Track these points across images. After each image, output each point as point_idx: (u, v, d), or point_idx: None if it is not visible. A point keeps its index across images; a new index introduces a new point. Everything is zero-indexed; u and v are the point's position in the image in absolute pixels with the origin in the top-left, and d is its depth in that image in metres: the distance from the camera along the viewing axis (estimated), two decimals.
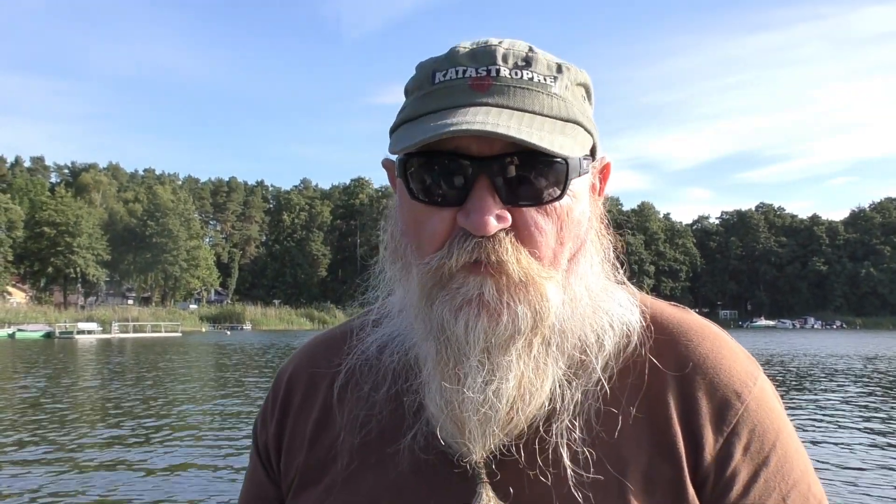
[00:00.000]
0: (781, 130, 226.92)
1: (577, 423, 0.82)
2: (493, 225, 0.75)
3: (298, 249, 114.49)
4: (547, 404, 0.82)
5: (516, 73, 0.81)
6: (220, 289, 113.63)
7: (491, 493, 0.81)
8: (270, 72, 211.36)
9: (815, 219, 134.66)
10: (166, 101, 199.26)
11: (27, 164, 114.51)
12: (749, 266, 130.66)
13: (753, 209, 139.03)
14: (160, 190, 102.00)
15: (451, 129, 0.74)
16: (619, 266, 0.91)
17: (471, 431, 0.80)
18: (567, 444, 0.81)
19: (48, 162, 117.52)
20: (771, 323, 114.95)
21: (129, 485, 8.25)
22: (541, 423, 0.82)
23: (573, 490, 0.80)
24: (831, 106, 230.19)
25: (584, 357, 0.84)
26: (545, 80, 0.81)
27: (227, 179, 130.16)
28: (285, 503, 0.96)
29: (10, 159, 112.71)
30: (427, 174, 0.79)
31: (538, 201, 0.78)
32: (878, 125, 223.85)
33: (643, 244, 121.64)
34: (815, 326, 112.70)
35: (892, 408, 15.06)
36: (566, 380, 0.83)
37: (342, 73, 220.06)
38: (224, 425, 12.73)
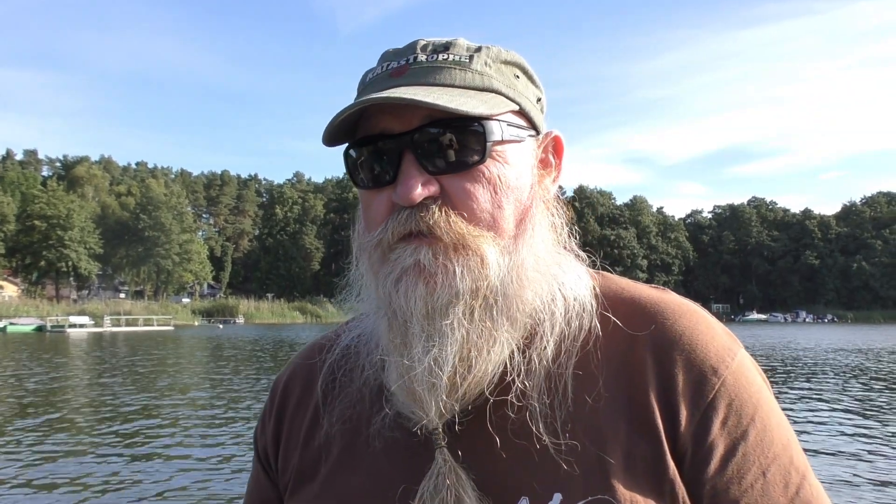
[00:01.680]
0: (774, 125, 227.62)
1: (544, 395, 0.82)
2: (419, 193, 0.78)
3: (292, 243, 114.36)
4: (498, 370, 0.82)
5: (433, 57, 0.84)
6: (213, 282, 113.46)
7: (448, 457, 0.82)
8: (264, 65, 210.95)
9: (807, 213, 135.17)
10: (159, 94, 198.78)
11: (19, 157, 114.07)
12: (741, 260, 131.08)
13: (746, 203, 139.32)
14: (153, 183, 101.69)
15: (351, 105, 0.79)
16: (573, 239, 0.93)
17: (421, 399, 0.81)
18: (536, 414, 0.81)
19: (41, 155, 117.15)
20: (763, 317, 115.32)
21: (120, 480, 8.26)
22: (495, 391, 0.83)
23: (553, 465, 0.80)
24: (824, 101, 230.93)
25: (537, 326, 0.85)
26: (461, 58, 0.84)
27: (219, 173, 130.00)
28: (284, 503, 0.99)
29: (1, 152, 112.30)
30: (363, 161, 0.84)
31: (462, 167, 0.81)
32: (870, 120, 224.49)
33: (636, 238, 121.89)
34: (807, 320, 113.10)
35: (880, 400, 15.21)
36: (517, 347, 0.83)
37: (336, 66, 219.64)
38: (213, 419, 12.76)
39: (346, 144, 0.86)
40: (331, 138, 0.83)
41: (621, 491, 0.79)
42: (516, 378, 0.82)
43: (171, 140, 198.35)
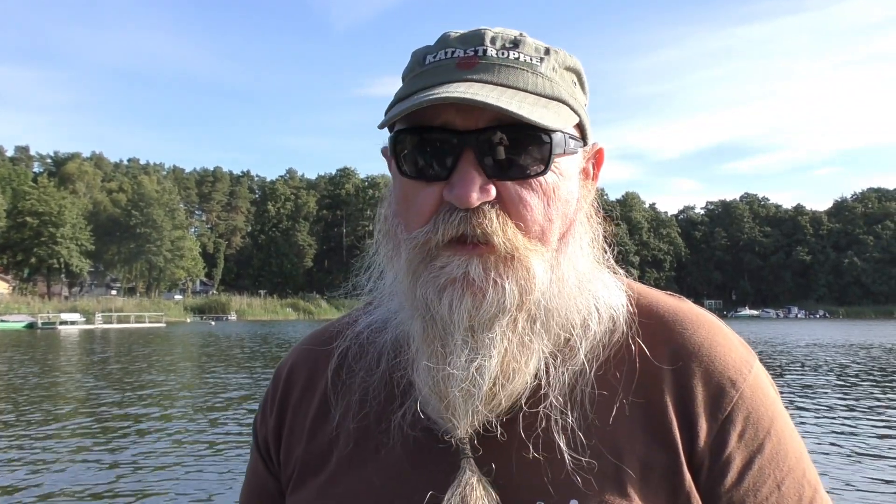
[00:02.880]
0: (767, 121, 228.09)
1: (567, 406, 0.83)
2: (477, 197, 0.76)
3: (284, 240, 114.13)
4: (531, 382, 0.82)
5: (503, 54, 0.82)
6: (205, 279, 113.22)
7: (474, 468, 0.81)
8: (257, 61, 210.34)
9: (799, 209, 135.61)
10: (151, 90, 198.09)
11: (10, 153, 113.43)
12: (734, 256, 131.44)
13: (738, 199, 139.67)
14: (145, 180, 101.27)
15: (429, 98, 0.76)
16: (607, 251, 0.92)
17: (455, 407, 0.80)
18: (561, 426, 0.82)
19: (32, 152, 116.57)
20: (755, 312, 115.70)
21: (108, 478, 8.24)
22: (528, 402, 0.83)
23: (571, 474, 0.80)
24: (817, 97, 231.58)
25: (569, 338, 0.85)
26: (531, 60, 0.83)
27: (212, 169, 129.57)
28: (286, 496, 0.97)
29: None
30: (414, 150, 0.80)
31: (523, 175, 0.79)
32: (862, 116, 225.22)
33: (627, 234, 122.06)
34: (799, 316, 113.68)
35: (865, 395, 15.30)
36: (552, 360, 0.83)
37: (330, 63, 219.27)
38: (203, 417, 12.76)
39: (397, 128, 0.82)
40: (389, 123, 0.81)
41: (637, 501, 0.79)
42: (550, 392, 0.82)
43: (164, 136, 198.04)
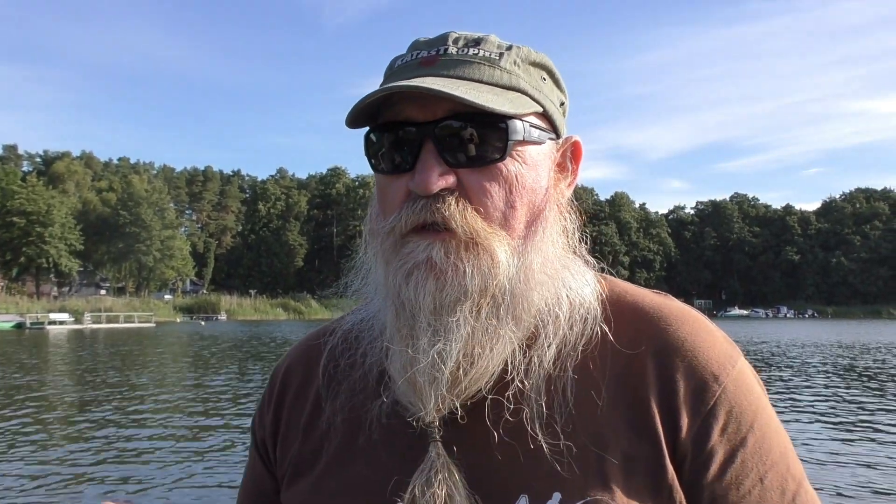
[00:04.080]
0: (757, 121, 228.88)
1: (543, 394, 0.83)
2: (436, 183, 0.79)
3: (275, 239, 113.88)
4: (499, 368, 0.83)
5: (463, 51, 0.85)
6: (195, 279, 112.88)
7: (441, 451, 0.83)
8: (248, 60, 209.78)
9: (787, 209, 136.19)
10: (142, 89, 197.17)
11: None
12: (723, 256, 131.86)
13: (728, 199, 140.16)
14: (134, 179, 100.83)
15: (378, 91, 0.80)
16: (585, 245, 0.93)
17: (422, 391, 0.81)
18: (536, 414, 0.82)
19: (20, 150, 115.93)
20: (745, 312, 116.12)
21: (96, 476, 8.32)
22: (498, 389, 0.83)
23: (553, 465, 0.81)
24: (806, 97, 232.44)
25: (540, 327, 0.86)
26: (491, 55, 0.85)
27: (202, 168, 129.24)
28: (281, 493, 0.98)
29: None
30: (382, 146, 0.84)
31: (481, 162, 0.81)
32: (850, 116, 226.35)
33: (617, 234, 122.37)
34: (788, 316, 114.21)
35: (852, 393, 15.51)
36: (520, 348, 0.84)
37: (322, 62, 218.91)
38: (190, 418, 12.85)
39: (368, 128, 0.86)
40: (354, 120, 0.84)
41: (620, 492, 0.80)
42: (516, 377, 0.83)
43: (154, 135, 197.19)
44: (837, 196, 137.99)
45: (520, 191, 0.83)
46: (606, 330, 0.87)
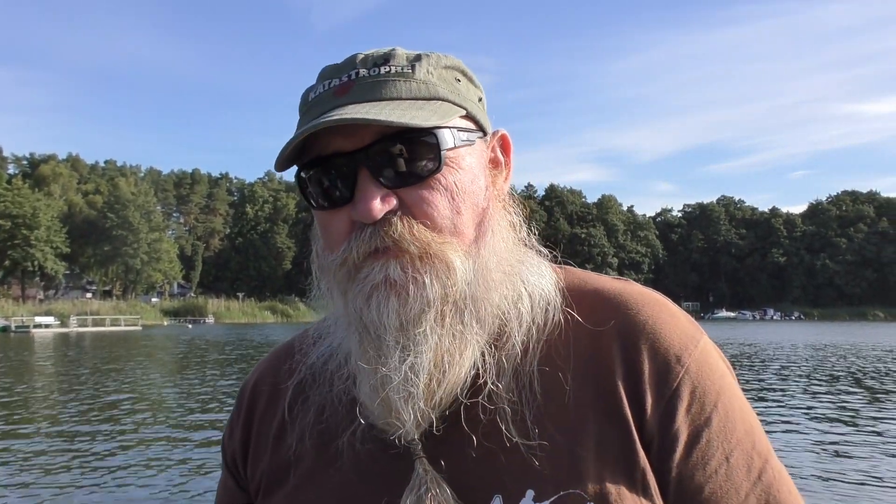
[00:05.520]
0: (745, 124, 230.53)
1: (512, 392, 0.84)
2: (379, 209, 0.79)
3: (263, 242, 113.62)
4: (470, 373, 0.83)
5: (374, 71, 0.85)
6: (183, 282, 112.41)
7: (427, 467, 0.82)
8: (236, 62, 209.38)
9: (774, 211, 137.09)
10: (129, 91, 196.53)
11: None
12: (710, 258, 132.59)
13: (715, 202, 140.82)
14: (121, 182, 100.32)
15: (297, 134, 0.80)
16: (532, 235, 0.93)
17: (398, 410, 0.81)
18: (508, 413, 0.82)
19: (6, 153, 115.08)
20: (732, 314, 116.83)
21: (77, 483, 8.24)
22: (469, 394, 0.84)
23: (525, 462, 0.81)
24: (793, 100, 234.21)
25: (504, 325, 0.86)
26: (403, 69, 0.85)
27: (190, 171, 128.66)
28: None
29: None
30: (316, 182, 0.84)
31: (418, 178, 0.81)
32: (837, 119, 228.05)
33: (605, 236, 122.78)
34: (775, 318, 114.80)
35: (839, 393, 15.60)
36: (488, 349, 0.85)
37: (311, 64, 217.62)
38: (174, 422, 12.78)
39: (297, 168, 0.86)
40: (283, 164, 0.84)
41: (593, 483, 0.80)
42: (488, 380, 0.83)
43: (141, 138, 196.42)
44: (823, 199, 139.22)
45: (462, 196, 0.83)
46: (569, 319, 0.87)
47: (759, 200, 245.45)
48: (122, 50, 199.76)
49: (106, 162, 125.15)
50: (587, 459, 0.81)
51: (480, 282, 0.83)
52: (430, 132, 0.81)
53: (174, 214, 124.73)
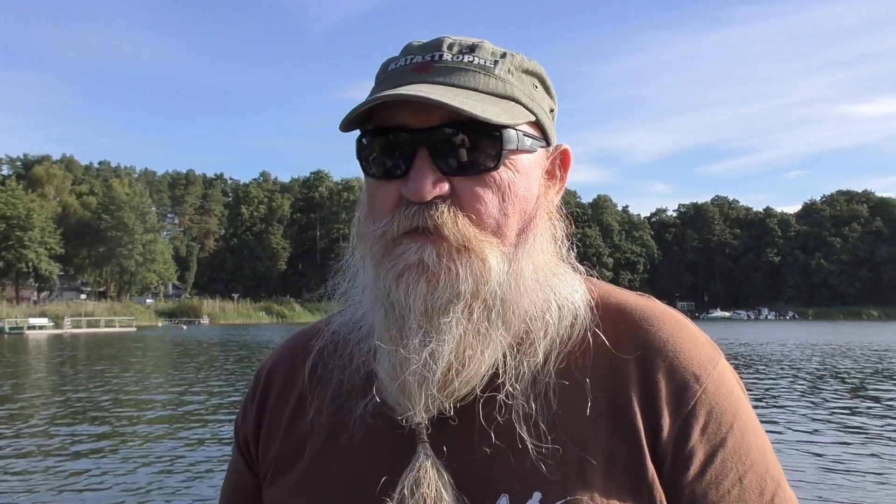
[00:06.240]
0: (741, 125, 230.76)
1: (528, 396, 0.84)
2: (430, 191, 0.80)
3: (258, 243, 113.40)
4: (489, 371, 0.84)
5: (458, 58, 0.86)
6: (178, 283, 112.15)
7: (429, 451, 0.83)
8: (231, 63, 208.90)
9: (768, 211, 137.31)
10: (123, 92, 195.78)
11: None
12: (705, 258, 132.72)
13: (709, 202, 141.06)
14: (115, 183, 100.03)
15: (375, 97, 0.80)
16: (572, 251, 0.94)
17: (411, 392, 0.82)
18: (521, 415, 0.83)
19: (0, 154, 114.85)
20: (727, 314, 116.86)
21: (76, 482, 8.25)
22: (485, 391, 0.84)
23: (535, 465, 0.81)
24: (788, 101, 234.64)
25: (529, 331, 0.86)
26: (486, 63, 0.86)
27: (185, 172, 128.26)
28: (262, 491, 0.99)
29: None
30: (375, 150, 0.85)
31: (475, 171, 0.82)
32: (832, 119, 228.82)
33: (600, 236, 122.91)
34: (770, 317, 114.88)
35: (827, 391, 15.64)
36: (510, 351, 0.85)
37: (307, 65, 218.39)
38: (171, 420, 12.77)
39: (360, 132, 0.87)
40: (347, 125, 0.84)
41: (600, 492, 0.81)
42: (506, 380, 0.84)
43: (136, 138, 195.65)
44: (818, 199, 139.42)
45: (512, 199, 0.84)
46: (593, 333, 0.88)
47: (755, 201, 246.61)
48: (116, 50, 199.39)
49: (100, 163, 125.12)
50: (596, 469, 0.81)
51: (513, 285, 0.84)
52: (496, 129, 0.82)
53: (169, 215, 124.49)
